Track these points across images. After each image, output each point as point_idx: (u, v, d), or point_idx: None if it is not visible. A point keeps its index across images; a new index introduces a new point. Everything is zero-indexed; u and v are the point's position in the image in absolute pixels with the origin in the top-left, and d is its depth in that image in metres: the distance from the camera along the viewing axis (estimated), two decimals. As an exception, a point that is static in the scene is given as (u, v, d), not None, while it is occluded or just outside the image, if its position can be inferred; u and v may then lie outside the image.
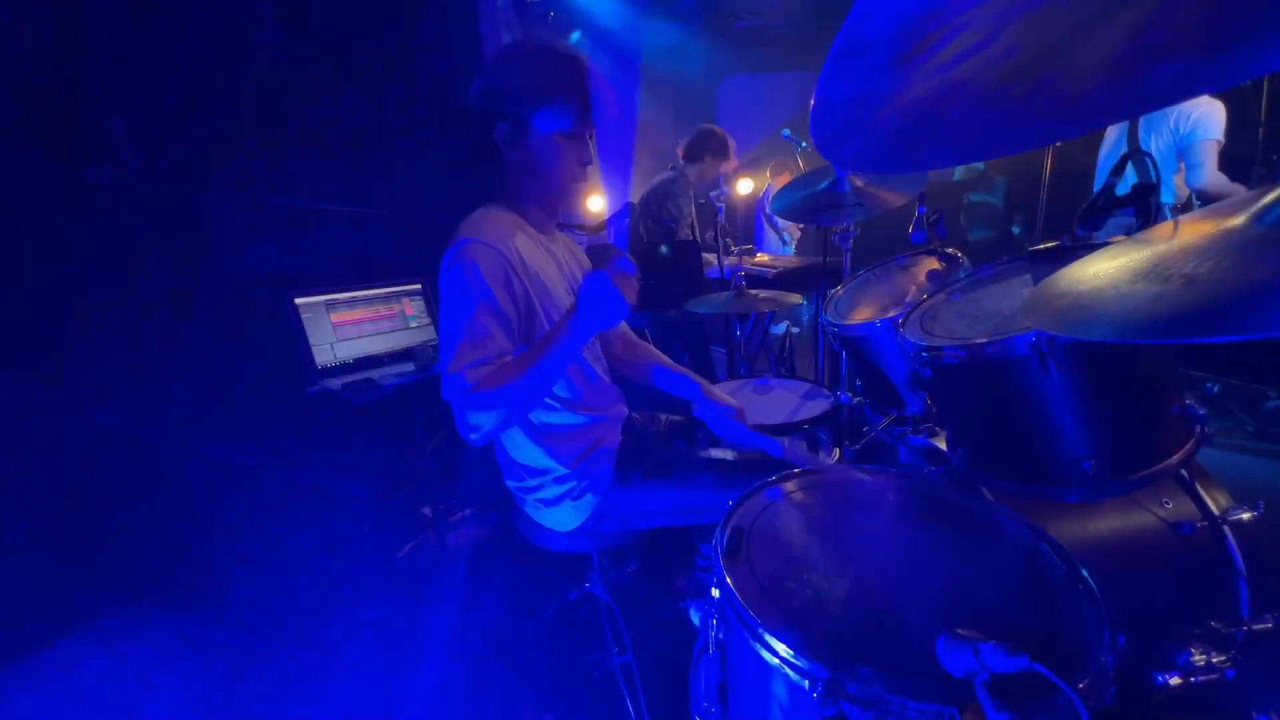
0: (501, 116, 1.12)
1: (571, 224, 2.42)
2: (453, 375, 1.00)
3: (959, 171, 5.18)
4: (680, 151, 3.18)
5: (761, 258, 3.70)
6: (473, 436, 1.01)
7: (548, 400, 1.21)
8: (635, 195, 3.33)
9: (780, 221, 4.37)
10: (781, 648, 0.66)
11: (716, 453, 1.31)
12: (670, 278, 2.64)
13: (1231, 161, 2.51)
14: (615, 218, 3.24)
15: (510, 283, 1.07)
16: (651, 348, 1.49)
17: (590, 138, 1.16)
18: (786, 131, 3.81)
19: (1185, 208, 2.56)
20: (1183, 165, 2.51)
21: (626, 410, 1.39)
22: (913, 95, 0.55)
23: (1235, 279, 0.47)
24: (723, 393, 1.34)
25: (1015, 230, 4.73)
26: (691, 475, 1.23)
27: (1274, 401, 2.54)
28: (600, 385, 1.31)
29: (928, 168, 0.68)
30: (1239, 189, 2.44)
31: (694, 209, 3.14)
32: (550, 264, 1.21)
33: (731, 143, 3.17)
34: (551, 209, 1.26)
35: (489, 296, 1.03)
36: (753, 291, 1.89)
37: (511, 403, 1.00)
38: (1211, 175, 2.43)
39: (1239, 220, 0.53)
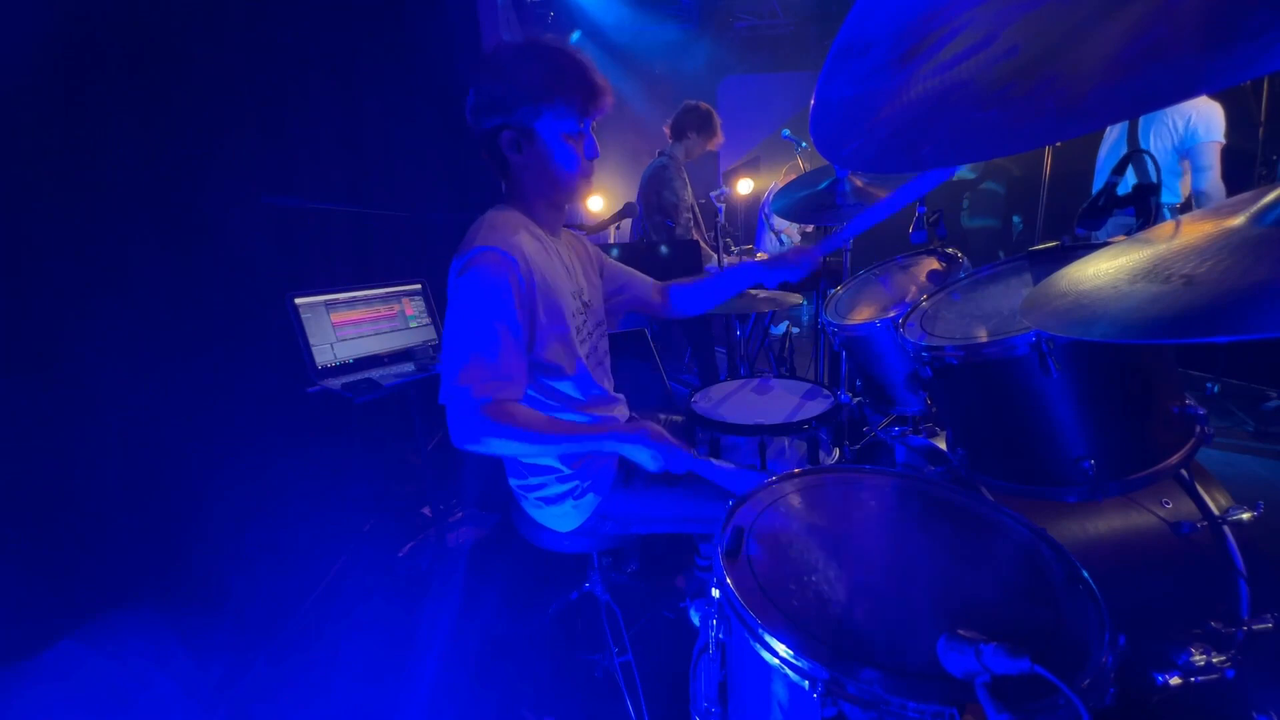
0: (505, 126, 1.11)
1: (571, 224, 2.43)
2: (461, 387, 1.01)
3: (959, 171, 5.19)
4: (667, 132, 3.13)
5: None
6: (467, 446, 1.04)
7: (551, 401, 1.21)
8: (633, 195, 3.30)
9: (778, 223, 4.36)
10: (781, 648, 0.66)
11: (719, 465, 1.32)
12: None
13: (1232, 161, 2.51)
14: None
15: (521, 291, 1.07)
16: (670, 284, 1.56)
17: (593, 129, 1.17)
18: (786, 131, 3.81)
19: (1185, 208, 2.56)
20: (1186, 166, 2.51)
21: (628, 411, 1.39)
22: (913, 95, 0.55)
23: (1235, 279, 0.47)
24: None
25: (1018, 227, 4.74)
26: (695, 485, 1.22)
27: (1274, 401, 2.54)
28: (604, 385, 1.31)
29: (928, 168, 0.68)
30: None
31: (690, 191, 3.09)
32: (557, 265, 1.21)
33: (717, 119, 3.10)
34: (560, 207, 1.26)
35: (502, 309, 1.04)
36: (753, 291, 1.89)
37: (519, 444, 1.04)
38: (1216, 179, 2.43)
39: (1239, 220, 0.53)
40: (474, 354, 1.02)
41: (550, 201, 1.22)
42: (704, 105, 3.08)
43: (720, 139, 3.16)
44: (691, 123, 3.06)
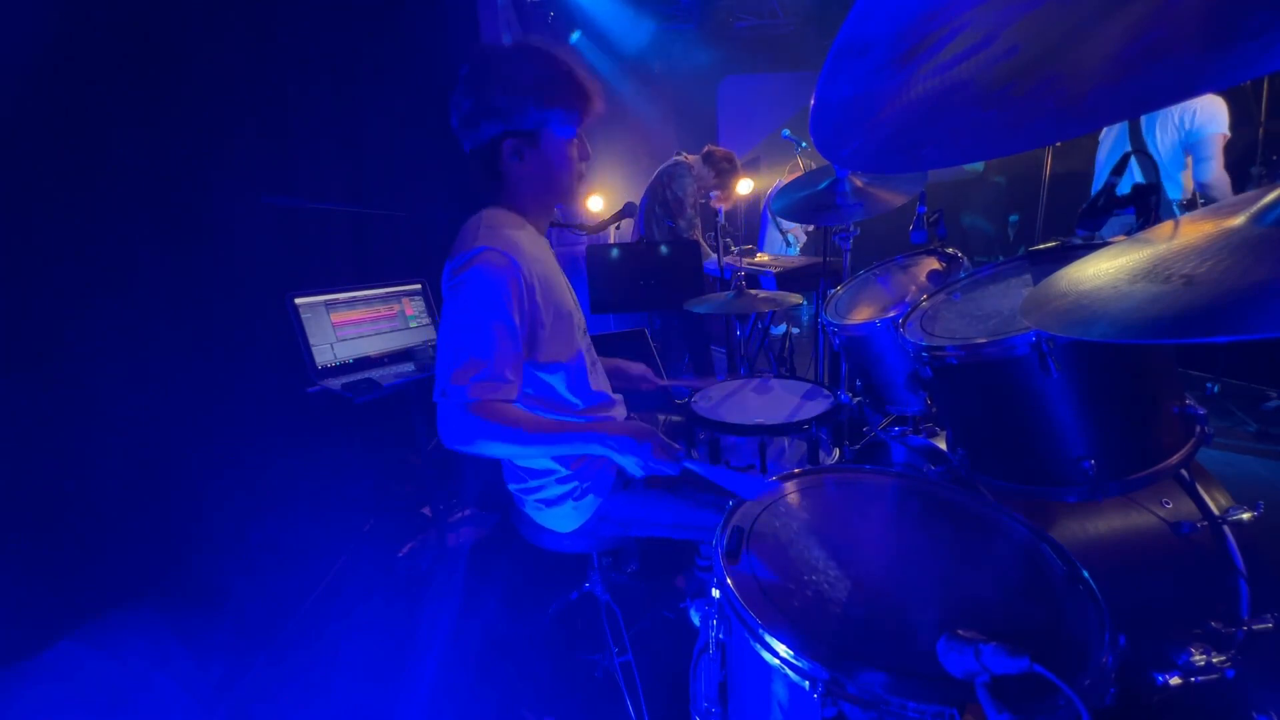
0: (507, 134, 1.10)
1: (571, 223, 2.43)
2: (454, 387, 1.00)
3: (962, 170, 5.18)
4: (702, 150, 3.23)
5: (761, 257, 3.71)
6: (458, 447, 1.02)
7: (549, 404, 1.21)
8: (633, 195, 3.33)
9: (785, 223, 4.38)
10: (781, 648, 0.66)
11: (716, 469, 1.31)
12: (670, 277, 2.64)
13: (1231, 161, 2.51)
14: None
15: (520, 292, 1.06)
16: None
17: (582, 133, 1.16)
18: (786, 131, 3.81)
19: (1191, 204, 2.55)
20: (1190, 160, 2.51)
21: (626, 412, 1.39)
22: (913, 95, 0.55)
23: (1235, 279, 0.47)
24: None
25: (1015, 226, 4.74)
26: (694, 493, 1.22)
27: (1274, 401, 2.54)
28: (602, 386, 1.31)
29: (928, 168, 0.68)
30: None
31: (697, 191, 3.14)
32: (553, 264, 1.21)
33: (740, 182, 3.29)
34: (551, 209, 1.27)
35: (501, 309, 1.03)
36: (753, 291, 1.89)
37: (508, 445, 1.02)
38: (1219, 170, 2.43)
39: (1239, 220, 0.53)
40: (469, 354, 1.01)
41: (545, 205, 1.22)
42: (740, 165, 3.24)
43: (727, 205, 3.26)
44: (722, 163, 3.15)
